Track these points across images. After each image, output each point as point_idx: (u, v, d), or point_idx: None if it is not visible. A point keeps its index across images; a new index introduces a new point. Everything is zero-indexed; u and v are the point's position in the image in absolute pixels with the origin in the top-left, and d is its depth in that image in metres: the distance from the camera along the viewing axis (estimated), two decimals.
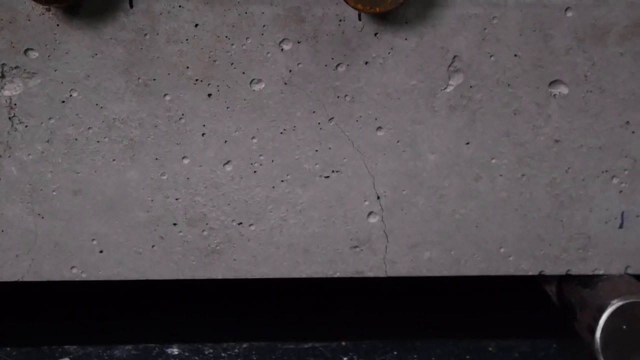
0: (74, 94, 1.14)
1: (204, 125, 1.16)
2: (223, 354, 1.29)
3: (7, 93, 1.14)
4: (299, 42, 1.14)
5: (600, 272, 1.24)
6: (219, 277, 1.23)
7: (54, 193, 1.18)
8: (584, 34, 1.15)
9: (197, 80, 1.14)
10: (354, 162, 1.19)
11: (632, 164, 1.20)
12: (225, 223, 1.21)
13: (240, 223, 1.21)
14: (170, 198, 1.19)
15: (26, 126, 1.15)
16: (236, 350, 1.30)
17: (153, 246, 1.21)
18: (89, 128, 1.16)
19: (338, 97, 1.16)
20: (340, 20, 1.13)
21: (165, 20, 1.12)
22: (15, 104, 1.14)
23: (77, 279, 1.22)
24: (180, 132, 1.16)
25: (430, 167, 1.19)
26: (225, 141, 1.17)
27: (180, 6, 1.12)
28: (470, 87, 1.16)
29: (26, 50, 1.12)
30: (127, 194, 1.19)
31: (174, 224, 1.20)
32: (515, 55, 1.15)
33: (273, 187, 1.20)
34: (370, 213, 1.21)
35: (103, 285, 1.26)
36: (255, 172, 1.19)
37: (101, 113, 1.15)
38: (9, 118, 1.14)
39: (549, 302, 1.37)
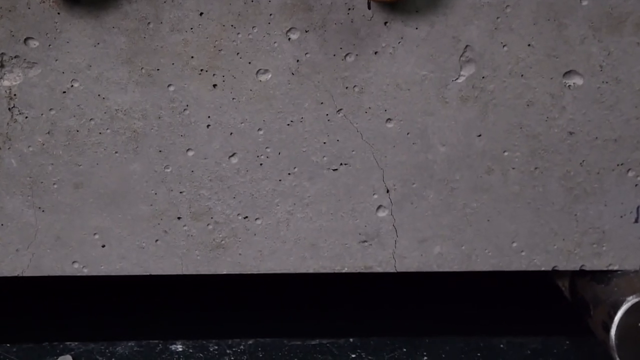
0: (75, 84, 1.12)
1: (209, 117, 1.14)
2: (228, 351, 1.27)
3: (6, 83, 1.11)
4: (306, 31, 1.11)
5: (615, 268, 1.22)
6: (224, 272, 1.21)
7: (55, 186, 1.16)
8: (599, 23, 1.12)
9: (202, 70, 1.12)
10: (362, 155, 1.17)
11: None
12: (230, 217, 1.19)
13: (246, 217, 1.19)
14: (175, 191, 1.17)
15: (26, 117, 1.13)
16: (241, 347, 1.28)
17: (157, 240, 1.19)
18: (91, 119, 1.13)
19: (347, 87, 1.14)
20: (349, 9, 1.11)
21: (169, 9, 1.10)
22: (15, 95, 1.12)
23: (79, 274, 1.21)
24: (184, 123, 1.14)
25: (440, 160, 1.17)
26: (231, 133, 1.15)
27: None
28: (483, 77, 1.14)
29: (26, 39, 1.10)
30: (130, 187, 1.17)
31: (178, 218, 1.18)
32: (529, 45, 1.13)
33: (280, 180, 1.17)
34: (379, 207, 1.19)
35: (105, 280, 1.25)
36: (261, 164, 1.17)
37: (103, 104, 1.13)
38: (9, 109, 1.12)
39: (561, 297, 1.36)
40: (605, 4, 1.11)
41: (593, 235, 1.21)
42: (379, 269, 1.22)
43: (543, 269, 1.22)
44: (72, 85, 1.12)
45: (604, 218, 1.20)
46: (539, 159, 1.17)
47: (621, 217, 1.20)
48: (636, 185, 1.18)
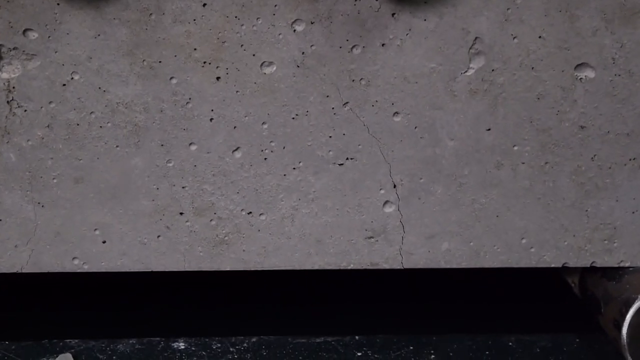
0: (76, 77, 1.10)
1: (212, 110, 1.12)
2: (231, 349, 1.25)
3: (5, 75, 1.09)
4: (312, 23, 1.09)
5: (627, 265, 1.20)
6: (228, 268, 1.19)
7: (55, 181, 1.14)
8: (612, 15, 1.10)
9: (205, 62, 1.10)
10: (369, 149, 1.14)
11: None
12: (234, 212, 1.16)
13: (250, 212, 1.17)
14: (177, 186, 1.15)
15: (25, 110, 1.11)
16: (245, 345, 1.26)
17: (158, 236, 1.17)
18: (92, 112, 1.11)
19: (353, 80, 1.11)
20: (355, 0, 1.08)
21: (172, 0, 1.08)
22: (13, 87, 1.10)
23: (79, 271, 1.19)
24: (187, 117, 1.12)
25: (449, 154, 1.15)
26: (235, 127, 1.13)
27: None
28: (492, 70, 1.12)
29: (25, 31, 1.08)
30: (132, 181, 1.14)
31: (181, 214, 1.16)
32: (540, 37, 1.10)
33: (284, 174, 1.15)
34: (386, 202, 1.17)
35: (106, 277, 1.23)
36: (265, 159, 1.14)
37: (104, 97, 1.11)
38: (7, 102, 1.10)
39: (570, 294, 1.34)
40: None
41: (604, 232, 1.19)
42: (386, 266, 1.20)
43: (553, 265, 1.20)
44: (72, 78, 1.10)
45: (616, 214, 1.18)
46: (550, 153, 1.15)
47: (633, 212, 1.18)
48: None
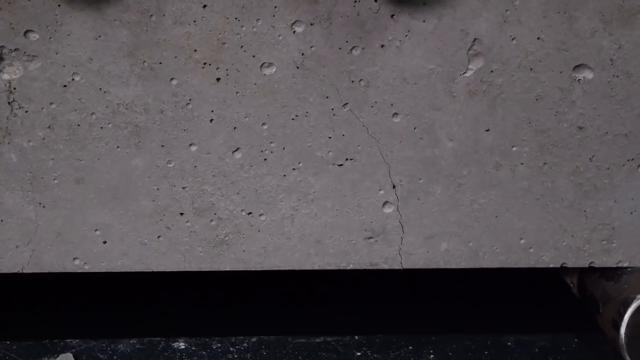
0: (76, 78, 1.10)
1: (212, 111, 1.12)
2: (231, 349, 1.25)
3: (6, 77, 1.09)
4: (312, 24, 1.09)
5: (625, 265, 1.20)
6: (228, 269, 1.19)
7: (56, 181, 1.14)
8: (610, 16, 1.10)
9: (205, 63, 1.10)
10: (368, 150, 1.15)
11: None
12: (234, 213, 1.17)
13: (250, 213, 1.17)
14: (177, 187, 1.15)
15: (26, 111, 1.11)
16: (245, 345, 1.26)
17: (159, 237, 1.17)
18: (92, 113, 1.11)
19: (352, 81, 1.12)
20: (355, 1, 1.09)
21: (172, 1, 1.07)
22: (14, 88, 1.10)
23: (79, 271, 1.19)
24: (187, 118, 1.12)
25: (448, 155, 1.15)
26: (235, 127, 1.13)
27: None
28: (491, 71, 1.12)
29: (26, 32, 1.08)
30: (132, 182, 1.15)
31: (181, 214, 1.16)
32: (538, 38, 1.11)
33: (284, 175, 1.15)
34: (385, 203, 1.17)
35: (106, 277, 1.23)
36: (265, 159, 1.15)
37: (105, 98, 1.11)
38: (9, 103, 1.10)
39: (568, 293, 1.34)
40: None
41: (602, 232, 1.19)
42: (385, 266, 1.20)
43: (552, 265, 1.20)
44: (73, 79, 1.10)
45: (614, 214, 1.18)
46: (548, 154, 1.15)
47: (631, 213, 1.18)
48: None
